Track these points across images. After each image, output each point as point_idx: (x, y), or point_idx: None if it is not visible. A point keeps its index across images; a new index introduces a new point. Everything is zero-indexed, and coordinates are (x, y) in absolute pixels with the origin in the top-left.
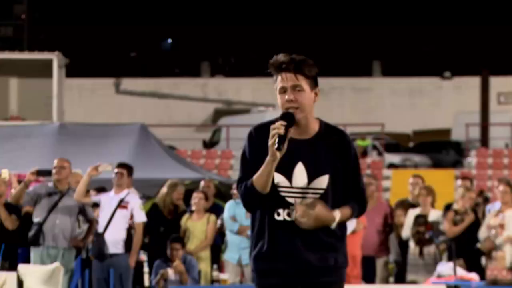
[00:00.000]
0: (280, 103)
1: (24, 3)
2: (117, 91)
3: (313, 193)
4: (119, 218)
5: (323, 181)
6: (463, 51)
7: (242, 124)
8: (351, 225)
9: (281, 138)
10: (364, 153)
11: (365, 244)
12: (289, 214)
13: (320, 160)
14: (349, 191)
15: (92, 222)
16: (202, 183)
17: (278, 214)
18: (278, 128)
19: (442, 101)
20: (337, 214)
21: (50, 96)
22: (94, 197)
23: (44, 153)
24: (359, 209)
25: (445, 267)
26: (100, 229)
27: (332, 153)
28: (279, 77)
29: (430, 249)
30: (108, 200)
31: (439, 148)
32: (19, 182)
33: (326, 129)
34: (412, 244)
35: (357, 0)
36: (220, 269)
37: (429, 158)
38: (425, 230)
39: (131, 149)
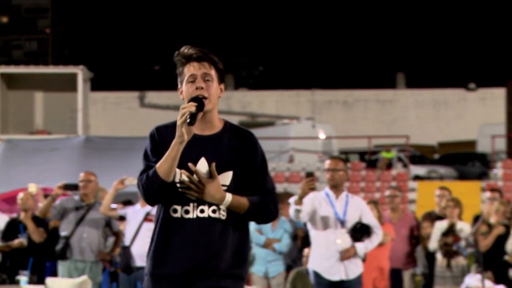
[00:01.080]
0: (187, 92)
1: (48, 18)
2: (141, 104)
3: None
4: (145, 231)
5: (226, 178)
6: (488, 63)
7: (266, 137)
8: (378, 238)
9: (192, 116)
10: (389, 165)
11: (392, 256)
12: (187, 212)
13: (223, 157)
14: (256, 189)
15: (118, 235)
16: None
17: (175, 211)
18: (188, 107)
19: (467, 113)
20: (229, 196)
21: (75, 110)
22: (120, 210)
23: (70, 167)
24: (260, 210)
25: (473, 279)
26: (127, 242)
27: (237, 151)
28: (188, 67)
29: (457, 261)
30: (134, 213)
31: (464, 160)
32: (46, 196)
33: (232, 128)
34: (439, 256)
35: (381, 13)
36: (247, 281)
37: (454, 170)
38: (453, 242)
39: None
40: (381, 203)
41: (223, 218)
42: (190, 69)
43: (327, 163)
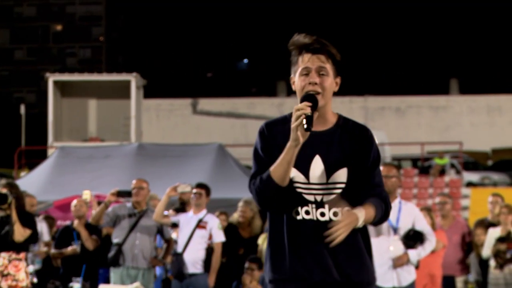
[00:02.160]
0: (300, 86)
1: (102, 26)
2: (194, 111)
3: (333, 188)
4: (198, 238)
5: (342, 175)
6: None
7: None
8: (431, 245)
9: (309, 119)
10: (442, 172)
11: (444, 263)
12: (307, 212)
13: (338, 153)
14: (369, 190)
15: (170, 242)
16: None
17: (297, 213)
18: (303, 109)
19: None
20: (361, 213)
21: (128, 117)
22: (173, 217)
23: (123, 174)
24: (382, 210)
25: None
26: (179, 249)
27: (351, 146)
28: (302, 58)
29: (511, 268)
30: (187, 220)
31: None
32: (99, 203)
33: (345, 122)
34: (492, 263)
35: (434, 19)
36: None
37: (508, 177)
38: (506, 249)
39: (208, 168)
40: (434, 210)
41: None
42: (304, 61)
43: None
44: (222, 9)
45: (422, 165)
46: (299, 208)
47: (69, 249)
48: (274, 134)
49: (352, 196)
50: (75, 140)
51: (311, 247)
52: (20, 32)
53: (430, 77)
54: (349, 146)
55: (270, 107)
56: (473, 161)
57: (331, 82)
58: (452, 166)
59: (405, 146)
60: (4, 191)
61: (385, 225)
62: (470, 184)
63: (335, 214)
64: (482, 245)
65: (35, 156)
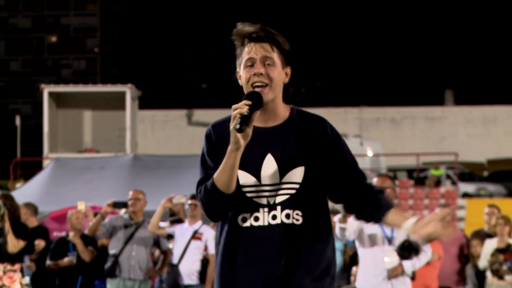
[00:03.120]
0: (245, 78)
1: (97, 37)
2: (189, 122)
3: (287, 189)
4: (193, 249)
5: (297, 174)
6: None
7: None
8: (426, 256)
9: (244, 119)
10: (438, 183)
11: (441, 274)
12: (256, 219)
13: (292, 150)
14: (358, 187)
15: (166, 253)
16: None
17: (244, 220)
18: (240, 108)
19: None
20: (412, 217)
21: (124, 128)
22: (168, 228)
23: (118, 185)
24: (384, 199)
25: None
26: (175, 260)
27: (307, 141)
28: (246, 48)
29: (508, 280)
30: (182, 231)
31: None
32: (95, 214)
33: (299, 115)
34: (489, 275)
35: (429, 30)
36: None
37: (504, 187)
38: (503, 260)
39: None
40: None
41: (298, 223)
42: (248, 51)
43: (374, 180)
44: (217, 20)
45: (418, 176)
46: (248, 215)
47: (65, 260)
48: (220, 136)
49: (307, 196)
50: (71, 151)
51: (259, 257)
52: (15, 44)
53: (425, 88)
54: (304, 142)
55: None
56: (468, 172)
57: (279, 73)
58: (448, 177)
59: (400, 157)
60: None
61: (379, 236)
62: (465, 195)
63: (287, 216)
64: (479, 256)
65: (30, 167)
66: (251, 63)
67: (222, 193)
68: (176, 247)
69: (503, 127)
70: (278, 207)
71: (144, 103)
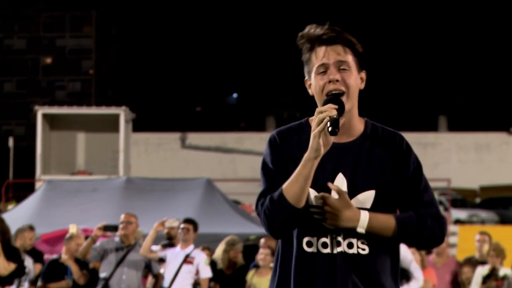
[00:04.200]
0: (318, 86)
1: (92, 59)
2: (182, 145)
3: None
4: (184, 273)
5: (367, 199)
6: None
7: None
8: (417, 283)
9: (335, 122)
10: None
11: None
12: (325, 245)
13: (364, 170)
14: (413, 206)
15: (158, 277)
16: (262, 240)
17: (310, 245)
18: (328, 111)
19: (509, 157)
20: (365, 215)
21: (117, 151)
22: (160, 252)
23: (111, 207)
24: (420, 225)
25: None
26: (166, 284)
27: (381, 161)
28: (316, 53)
29: None
30: (174, 255)
31: (506, 204)
32: (86, 237)
33: (374, 129)
34: None
35: (423, 56)
36: None
37: (496, 214)
38: (496, 287)
39: (196, 203)
40: None
41: (364, 253)
42: (319, 56)
43: None
44: (212, 44)
45: None
46: (314, 239)
47: (63, 283)
48: (288, 145)
49: None
50: (63, 173)
51: (324, 286)
52: (10, 65)
53: (419, 113)
54: (378, 162)
55: (259, 142)
56: (461, 198)
57: (356, 78)
58: (440, 203)
59: None
60: None
61: None
62: (458, 222)
63: (349, 245)
64: (470, 283)
65: (22, 189)
66: (324, 69)
67: (291, 206)
68: (167, 271)
69: (496, 154)
70: (341, 234)
71: (138, 126)
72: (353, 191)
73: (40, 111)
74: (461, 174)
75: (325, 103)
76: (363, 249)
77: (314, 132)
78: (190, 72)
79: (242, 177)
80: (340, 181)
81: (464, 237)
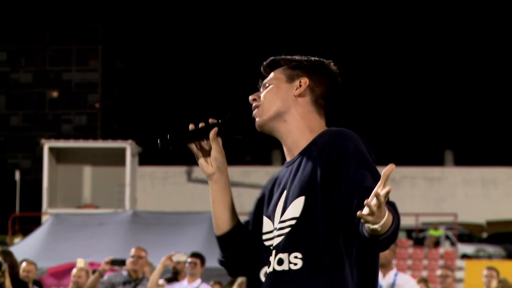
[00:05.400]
0: None
1: (98, 93)
2: (188, 179)
3: (282, 228)
4: None
5: (296, 207)
6: None
7: None
8: None
9: (191, 133)
10: (437, 243)
11: None
12: (269, 265)
13: (298, 180)
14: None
15: None
16: None
17: (265, 274)
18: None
19: None
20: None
21: (123, 184)
22: (166, 286)
23: (117, 241)
24: (396, 218)
25: None
26: None
27: (315, 164)
28: None
29: None
30: None
31: None
32: (93, 271)
33: (324, 135)
34: None
35: (430, 91)
36: None
37: (503, 249)
38: None
39: (203, 237)
40: (429, 282)
41: (296, 267)
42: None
43: None
44: (217, 79)
45: (417, 236)
46: (267, 267)
47: None
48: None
49: (309, 233)
50: (70, 207)
51: None
52: (16, 98)
53: (425, 148)
54: (311, 167)
55: (264, 176)
56: (467, 233)
57: (279, 90)
58: (447, 237)
59: None
60: None
61: None
62: (464, 256)
63: (279, 262)
64: None
65: (29, 222)
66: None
67: (216, 236)
68: None
69: (503, 188)
70: (273, 252)
71: (144, 159)
72: (286, 203)
73: (47, 145)
74: (468, 209)
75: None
76: (295, 264)
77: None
78: (196, 106)
79: (248, 211)
80: (282, 199)
81: (471, 272)
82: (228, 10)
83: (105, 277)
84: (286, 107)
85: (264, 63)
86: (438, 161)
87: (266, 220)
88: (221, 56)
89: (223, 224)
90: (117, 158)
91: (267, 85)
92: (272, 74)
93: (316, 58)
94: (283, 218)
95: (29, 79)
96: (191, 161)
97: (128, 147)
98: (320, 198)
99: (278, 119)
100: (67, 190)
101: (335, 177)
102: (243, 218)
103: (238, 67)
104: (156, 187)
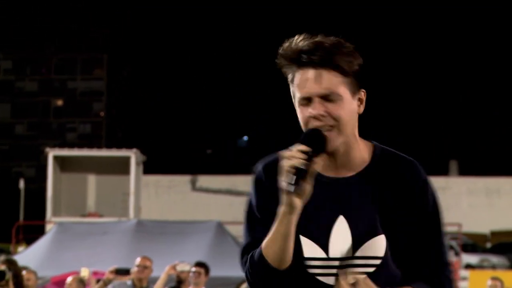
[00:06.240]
0: (301, 119)
1: (103, 101)
2: (193, 188)
3: (363, 266)
4: None
5: (378, 246)
6: None
7: None
8: None
9: (300, 174)
10: None
11: None
12: None
13: (371, 211)
14: (420, 262)
15: None
16: None
17: None
18: (293, 157)
19: None
20: None
21: (127, 193)
22: None
23: (121, 250)
24: None
25: None
26: None
27: (392, 198)
28: (299, 77)
29: None
30: None
31: None
32: (98, 280)
33: (384, 158)
34: None
35: (434, 101)
36: None
37: (507, 259)
38: None
39: (207, 246)
40: None
41: None
42: (301, 84)
43: None
44: (223, 86)
45: None
46: None
47: None
48: (276, 183)
49: (392, 274)
50: (74, 215)
51: None
52: (21, 107)
53: (430, 158)
54: (388, 199)
55: None
56: (472, 243)
57: (349, 105)
58: (451, 247)
59: None
60: (3, 267)
61: None
62: (468, 266)
63: None
64: None
65: (33, 231)
66: (306, 101)
67: (272, 269)
68: None
69: (507, 198)
70: None
71: (149, 168)
72: (359, 237)
73: (51, 153)
74: (472, 219)
75: (301, 141)
76: None
77: (281, 185)
78: (201, 114)
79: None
80: (342, 226)
81: (475, 282)
82: (233, 14)
83: (110, 286)
84: (353, 127)
85: (317, 46)
86: (443, 171)
87: (308, 243)
88: (228, 65)
89: (289, 258)
90: (122, 166)
91: (332, 98)
92: (338, 84)
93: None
94: (360, 253)
95: (34, 88)
96: (196, 169)
97: (133, 155)
98: (402, 241)
99: (352, 139)
100: (71, 199)
101: (420, 227)
102: None
103: (246, 76)
104: (161, 196)
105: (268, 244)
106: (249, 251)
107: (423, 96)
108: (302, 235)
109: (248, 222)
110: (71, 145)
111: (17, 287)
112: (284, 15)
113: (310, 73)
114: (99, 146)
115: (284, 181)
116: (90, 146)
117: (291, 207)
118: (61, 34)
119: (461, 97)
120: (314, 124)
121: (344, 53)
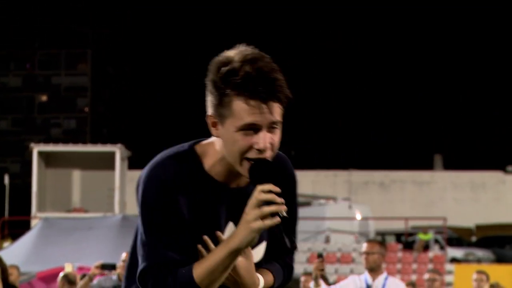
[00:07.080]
0: (237, 145)
1: (87, 97)
2: None
3: None
4: None
5: (258, 254)
6: None
7: (302, 217)
8: None
9: (284, 223)
10: (426, 247)
11: None
12: None
13: None
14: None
15: None
16: None
17: None
18: (276, 205)
19: (505, 195)
20: (261, 281)
21: (113, 188)
22: None
23: (107, 245)
24: (283, 274)
25: None
26: None
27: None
28: (244, 103)
29: None
30: None
31: (502, 243)
32: (83, 275)
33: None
34: None
35: (419, 96)
36: None
37: (492, 253)
38: None
39: None
40: (418, 286)
41: None
42: (248, 111)
43: (364, 246)
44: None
45: (406, 240)
46: None
47: None
48: (189, 192)
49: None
50: (59, 211)
51: None
52: (5, 103)
53: (414, 152)
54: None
55: None
56: (457, 237)
57: (280, 133)
58: (436, 241)
59: (389, 221)
60: None
61: None
62: (454, 260)
63: None
64: None
65: (18, 226)
66: (252, 130)
67: None
68: None
69: (492, 192)
70: None
71: (134, 163)
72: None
73: (36, 149)
74: (457, 213)
75: (251, 172)
76: None
77: (254, 225)
78: (186, 109)
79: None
80: (231, 231)
81: (460, 276)
82: (223, 12)
83: (95, 281)
84: None
85: (274, 82)
86: (427, 165)
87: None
88: (209, 59)
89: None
90: (107, 162)
91: (274, 126)
92: (278, 113)
93: None
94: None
95: (18, 83)
96: None
97: (118, 151)
98: (276, 242)
99: None
100: (56, 194)
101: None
102: None
103: None
104: None
105: (205, 274)
106: (160, 273)
107: (407, 91)
108: (200, 234)
109: (151, 234)
110: (55, 141)
111: (4, 283)
112: (284, 15)
113: (258, 102)
114: (84, 142)
115: (263, 223)
116: (75, 141)
117: (249, 244)
118: (45, 30)
119: (445, 92)
120: (257, 155)
121: (285, 84)
